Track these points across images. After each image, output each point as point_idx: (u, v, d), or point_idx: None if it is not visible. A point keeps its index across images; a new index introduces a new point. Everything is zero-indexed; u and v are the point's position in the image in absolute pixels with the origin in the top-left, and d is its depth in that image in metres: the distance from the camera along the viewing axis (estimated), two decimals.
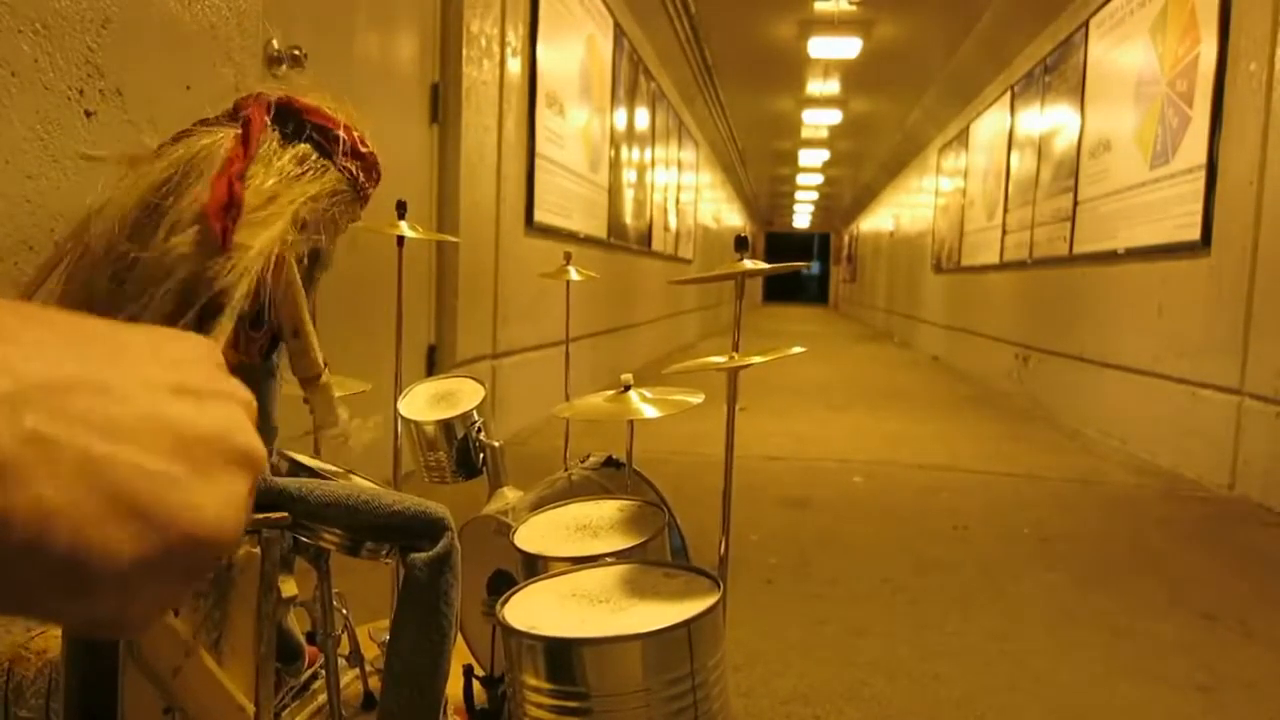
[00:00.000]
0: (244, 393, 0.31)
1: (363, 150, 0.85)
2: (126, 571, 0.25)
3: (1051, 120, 5.79)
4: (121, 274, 0.72)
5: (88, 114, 1.38)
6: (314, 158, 0.81)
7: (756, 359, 0.89)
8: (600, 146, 5.31)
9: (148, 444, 0.26)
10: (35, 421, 0.24)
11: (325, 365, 0.88)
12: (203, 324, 0.70)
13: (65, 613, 0.26)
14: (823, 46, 7.58)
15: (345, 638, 1.14)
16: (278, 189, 0.77)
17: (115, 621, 0.27)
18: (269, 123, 0.80)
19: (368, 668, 1.21)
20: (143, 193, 0.75)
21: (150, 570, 0.25)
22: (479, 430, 1.29)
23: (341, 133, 0.83)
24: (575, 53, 4.63)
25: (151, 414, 0.26)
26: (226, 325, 0.70)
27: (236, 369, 0.83)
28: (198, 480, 0.27)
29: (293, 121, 0.81)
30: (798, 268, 1.10)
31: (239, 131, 0.79)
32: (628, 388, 0.97)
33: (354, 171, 0.84)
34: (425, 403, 1.34)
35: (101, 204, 0.75)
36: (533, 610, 0.74)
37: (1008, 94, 6.90)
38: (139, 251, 0.72)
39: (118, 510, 0.25)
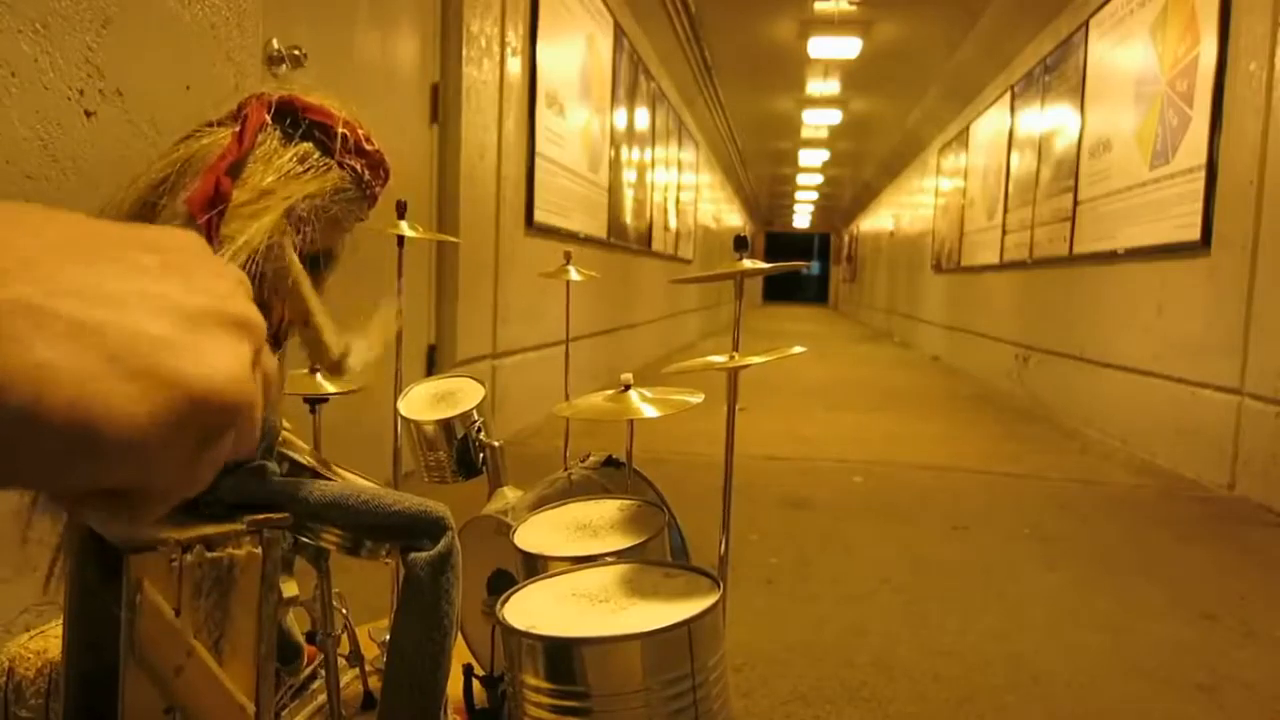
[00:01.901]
0: (235, 270, 0.30)
1: (367, 148, 0.85)
2: (139, 432, 0.24)
3: (1051, 120, 5.79)
4: None
5: (88, 114, 1.38)
6: (316, 156, 0.81)
7: (757, 359, 0.89)
8: (600, 146, 5.31)
9: (142, 311, 0.25)
10: (20, 292, 0.23)
11: (347, 351, 0.86)
12: None
13: (86, 475, 0.25)
14: (823, 46, 7.59)
15: (345, 638, 1.14)
16: (274, 186, 0.77)
17: (140, 492, 0.26)
18: (269, 121, 0.80)
19: (368, 668, 1.21)
20: (140, 192, 0.75)
21: (165, 431, 0.25)
22: (479, 430, 1.29)
23: (344, 130, 0.82)
24: (575, 53, 4.63)
25: (143, 288, 0.26)
26: None
27: None
28: (198, 343, 0.26)
29: (294, 120, 0.81)
30: (797, 268, 1.10)
31: (237, 129, 0.79)
32: (628, 387, 0.97)
33: (358, 170, 0.84)
34: (425, 402, 1.34)
35: (102, 206, 0.75)
36: (533, 610, 0.74)
37: (1008, 94, 6.90)
38: None
39: (118, 370, 0.24)
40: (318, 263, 0.84)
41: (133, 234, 0.28)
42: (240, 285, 0.30)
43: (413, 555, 0.85)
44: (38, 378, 0.23)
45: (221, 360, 0.27)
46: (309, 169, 0.80)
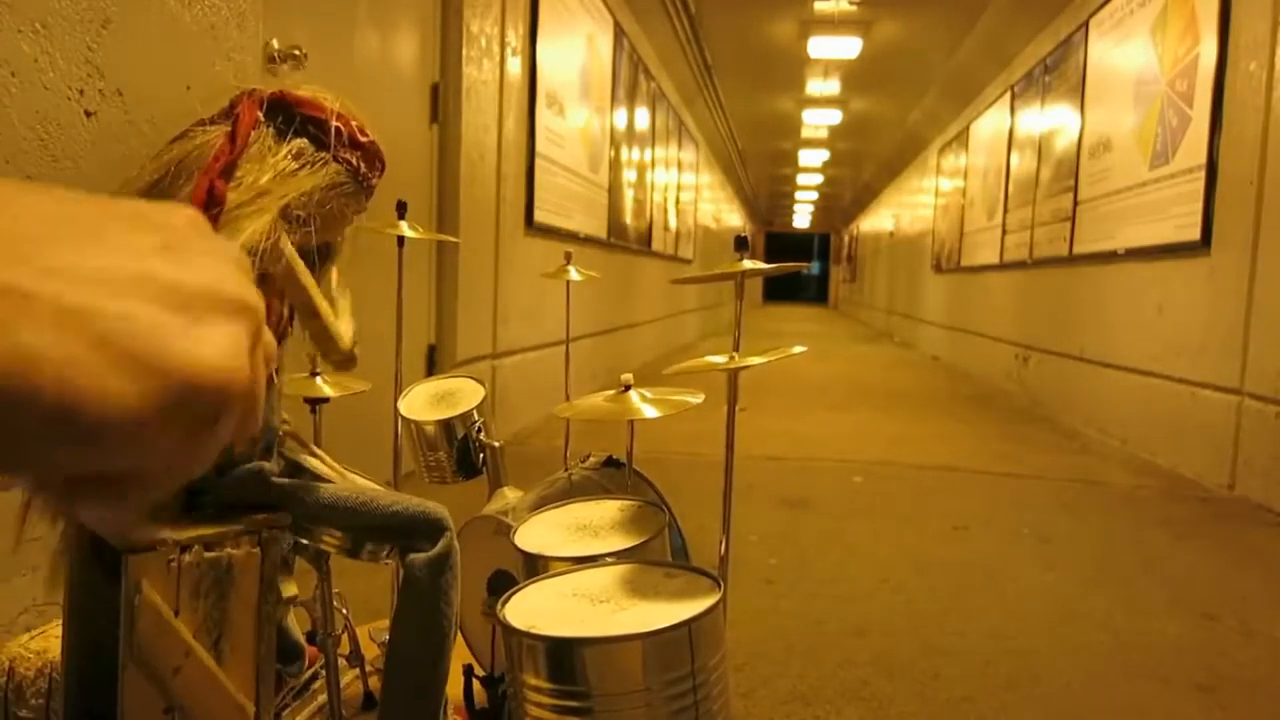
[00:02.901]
0: (233, 249, 0.30)
1: (362, 140, 0.84)
2: (127, 417, 0.24)
3: (1051, 120, 5.79)
4: None
5: (88, 114, 1.38)
6: (311, 151, 0.80)
7: (757, 359, 0.89)
8: (600, 146, 5.31)
9: (133, 295, 0.25)
10: (7, 276, 0.23)
11: (355, 343, 0.86)
12: None
13: (73, 464, 0.25)
14: (823, 46, 7.58)
15: (345, 638, 1.14)
16: (270, 185, 0.76)
17: (135, 478, 0.26)
18: (262, 119, 0.80)
19: (368, 668, 1.21)
20: (132, 195, 0.75)
21: (155, 416, 0.25)
22: (479, 430, 1.29)
23: (338, 124, 0.82)
24: (575, 52, 4.63)
25: (132, 270, 0.25)
26: None
27: None
28: (191, 327, 0.26)
29: (286, 116, 0.81)
30: (797, 268, 1.10)
31: (229, 128, 0.78)
32: (628, 388, 0.97)
33: (354, 162, 0.83)
34: (425, 403, 1.34)
35: None
36: (533, 610, 0.74)
37: (1008, 94, 6.90)
38: None
39: (107, 355, 0.24)
40: (316, 257, 0.84)
41: (131, 210, 0.28)
42: (239, 265, 0.29)
43: (412, 556, 0.85)
44: (22, 363, 0.22)
45: (215, 344, 0.26)
46: (304, 165, 0.80)
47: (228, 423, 0.27)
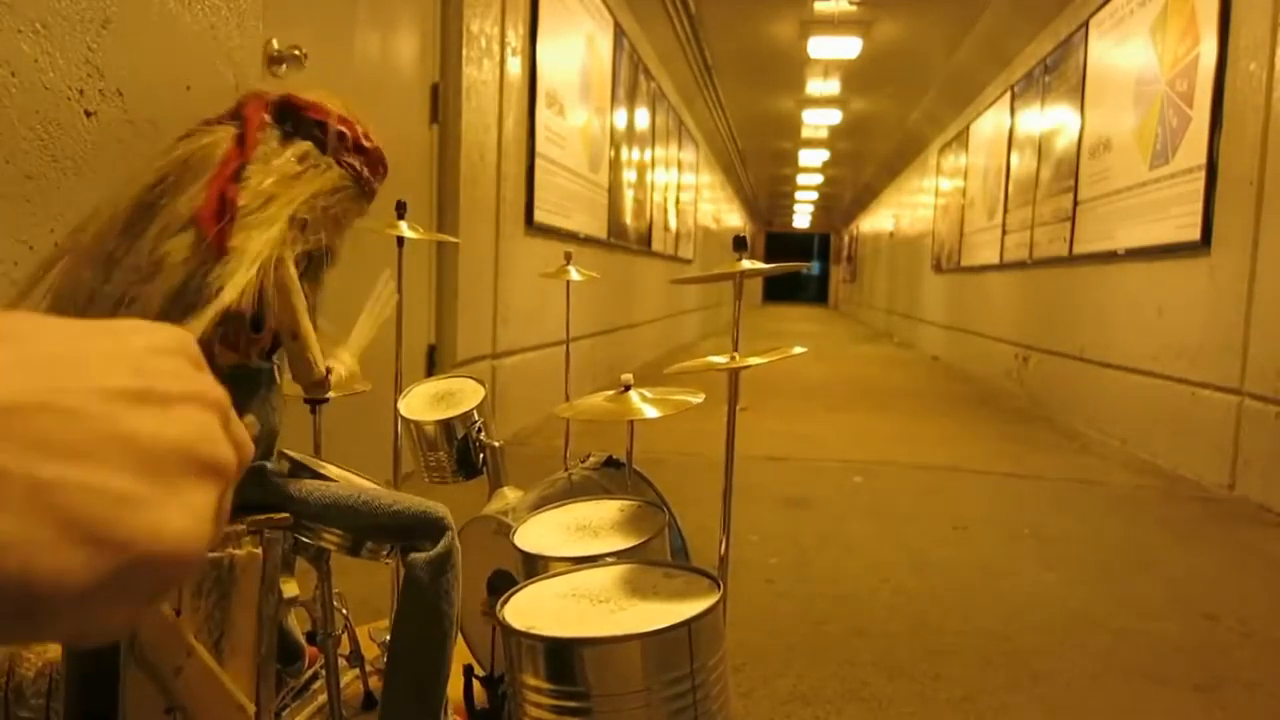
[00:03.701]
0: (215, 392, 0.29)
1: (366, 145, 0.85)
2: (87, 596, 0.24)
3: (1051, 120, 5.79)
4: (109, 270, 0.72)
5: (88, 114, 1.38)
6: (315, 154, 0.81)
7: (757, 360, 0.89)
8: (600, 146, 5.30)
9: (104, 463, 0.25)
10: None
11: (328, 371, 0.87)
12: (185, 318, 0.70)
13: (24, 634, 0.25)
14: (823, 46, 7.58)
15: (345, 638, 1.14)
16: (276, 189, 0.77)
17: (82, 636, 0.26)
18: (268, 121, 0.80)
19: (368, 668, 1.21)
20: (137, 192, 0.75)
21: (111, 592, 0.25)
22: (479, 430, 1.29)
23: (342, 127, 0.82)
24: (575, 52, 4.63)
25: (109, 430, 0.25)
26: (207, 315, 0.70)
27: (238, 370, 0.83)
28: (160, 496, 0.26)
29: (292, 119, 0.81)
30: (797, 268, 1.10)
31: (237, 131, 0.79)
32: (628, 388, 0.97)
33: (357, 167, 0.84)
34: (425, 403, 1.34)
35: (98, 205, 0.75)
36: (533, 610, 0.74)
37: (1008, 94, 6.90)
38: (128, 248, 0.72)
39: (71, 536, 0.24)
40: (320, 261, 0.84)
41: (113, 348, 0.27)
42: (218, 411, 0.29)
43: (413, 556, 0.85)
44: None
45: (181, 515, 0.26)
46: (308, 168, 0.80)
47: (182, 584, 0.28)
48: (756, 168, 16.03)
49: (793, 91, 9.77)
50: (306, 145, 0.80)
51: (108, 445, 0.25)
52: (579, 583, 0.79)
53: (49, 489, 0.24)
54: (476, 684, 1.18)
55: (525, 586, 0.79)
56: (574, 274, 1.42)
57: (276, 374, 0.84)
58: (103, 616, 0.25)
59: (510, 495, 1.23)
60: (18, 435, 0.24)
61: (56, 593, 0.24)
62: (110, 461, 0.25)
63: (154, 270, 0.71)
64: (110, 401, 0.26)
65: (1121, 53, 4.58)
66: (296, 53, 2.05)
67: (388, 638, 0.90)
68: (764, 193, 20.52)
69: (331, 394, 1.23)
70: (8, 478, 0.23)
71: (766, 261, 0.94)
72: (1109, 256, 4.56)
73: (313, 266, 0.83)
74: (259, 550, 0.75)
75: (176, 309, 0.70)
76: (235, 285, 0.71)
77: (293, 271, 0.79)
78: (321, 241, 0.82)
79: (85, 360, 0.26)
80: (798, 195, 21.72)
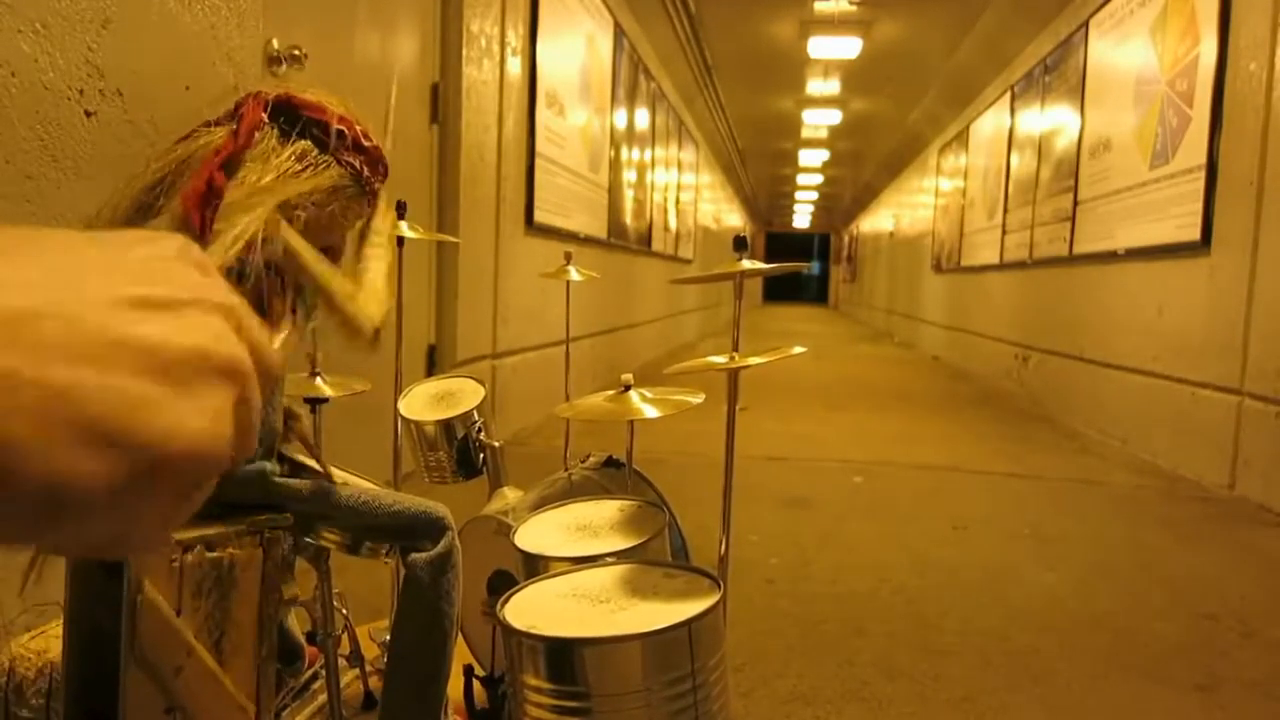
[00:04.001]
0: (222, 294, 0.29)
1: (366, 144, 0.84)
2: (110, 497, 0.24)
3: (1051, 120, 5.79)
4: None
5: (88, 114, 1.38)
6: (314, 154, 0.81)
7: (756, 359, 0.89)
8: (600, 146, 5.31)
9: (116, 367, 0.25)
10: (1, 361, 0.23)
11: (379, 325, 0.85)
12: None
13: (61, 539, 0.25)
14: (823, 46, 7.58)
15: (345, 638, 1.14)
16: (271, 185, 0.76)
17: (118, 543, 0.26)
18: (266, 120, 0.80)
19: (368, 668, 1.21)
20: (136, 194, 0.75)
21: (137, 492, 0.25)
22: (479, 430, 1.29)
23: (342, 126, 0.82)
24: (575, 52, 4.63)
25: (119, 336, 0.25)
26: None
27: None
28: (175, 398, 0.26)
29: (291, 118, 0.81)
30: (797, 268, 1.11)
31: (234, 127, 0.78)
32: (628, 388, 0.97)
33: (357, 166, 0.83)
34: (425, 403, 1.34)
35: (99, 208, 0.75)
36: (533, 610, 0.74)
37: (1008, 94, 6.90)
38: None
39: (90, 437, 0.24)
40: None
41: (117, 258, 0.27)
42: (228, 313, 0.29)
43: (413, 555, 0.85)
44: (9, 453, 0.23)
45: (198, 416, 0.26)
46: (307, 167, 0.80)
47: (209, 486, 0.28)
48: (756, 168, 16.03)
49: (793, 91, 9.77)
50: (305, 144, 0.80)
51: (117, 350, 0.25)
52: (579, 583, 0.79)
53: (62, 393, 0.24)
54: (476, 684, 1.18)
55: (525, 586, 0.79)
56: (574, 274, 1.42)
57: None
58: (136, 517, 0.26)
59: (510, 495, 1.23)
60: (25, 342, 0.24)
61: (81, 495, 0.24)
62: (121, 365, 0.25)
63: None
64: (116, 308, 0.26)
65: (1121, 52, 4.58)
66: (296, 53, 2.05)
67: (388, 638, 0.90)
68: (764, 193, 20.53)
69: (331, 395, 1.23)
70: (20, 381, 0.23)
71: (766, 261, 0.94)
72: (1109, 256, 4.56)
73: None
74: (259, 550, 0.75)
75: None
76: (219, 262, 0.70)
77: (299, 241, 0.78)
78: (320, 240, 0.81)
79: (92, 270, 0.26)
80: (798, 195, 21.73)
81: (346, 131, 0.82)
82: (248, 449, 0.29)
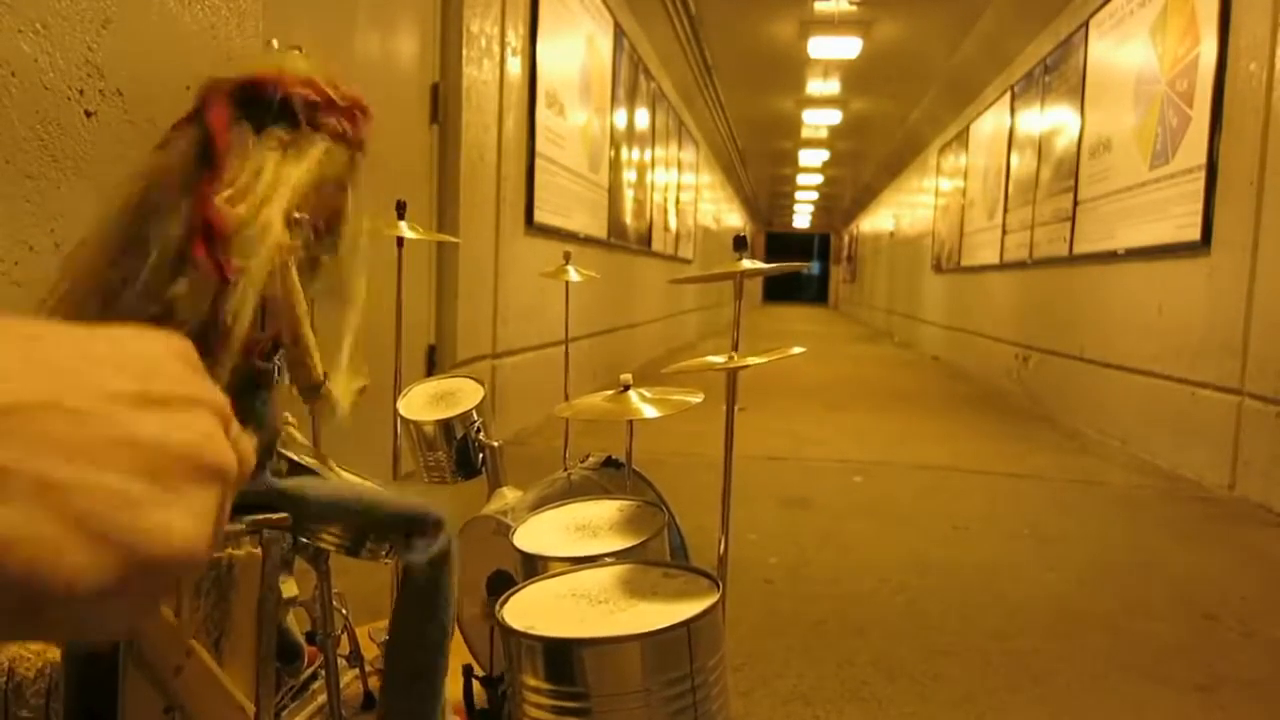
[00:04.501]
0: (216, 397, 0.30)
1: (336, 99, 0.83)
2: (92, 595, 0.24)
3: (1051, 120, 5.79)
4: (109, 300, 0.71)
5: (88, 114, 1.38)
6: (291, 133, 0.79)
7: (756, 359, 0.89)
8: (600, 146, 5.30)
9: (110, 464, 0.25)
10: None
11: (325, 376, 0.86)
12: (209, 346, 0.70)
13: (26, 632, 0.25)
14: (823, 46, 7.58)
15: (345, 638, 1.14)
16: (266, 192, 0.75)
17: (82, 637, 0.27)
18: (234, 115, 0.78)
19: (367, 668, 1.21)
20: (126, 226, 0.74)
21: (111, 593, 0.25)
22: (479, 430, 1.29)
23: (308, 92, 0.80)
24: (575, 53, 4.63)
25: (114, 433, 0.25)
26: (234, 348, 0.70)
27: (239, 370, 0.82)
28: (164, 499, 0.26)
29: (257, 103, 0.79)
30: (797, 268, 1.11)
31: (200, 135, 0.77)
32: (627, 388, 0.97)
33: (335, 125, 0.82)
34: (425, 403, 1.34)
35: (84, 238, 0.74)
36: (532, 610, 0.74)
37: (1008, 94, 6.90)
38: (123, 278, 0.71)
39: (77, 535, 0.24)
40: (331, 225, 0.84)
41: (115, 353, 0.27)
42: (220, 415, 0.29)
43: (411, 553, 0.85)
44: None
45: (185, 518, 0.26)
46: (289, 148, 0.78)
47: (185, 582, 0.28)
48: (756, 168, 16.03)
49: (793, 91, 9.77)
50: (280, 128, 0.79)
51: (115, 447, 0.25)
52: (578, 583, 0.79)
53: (56, 488, 0.24)
54: (476, 684, 1.18)
55: (525, 587, 0.79)
56: (573, 274, 1.42)
57: (277, 374, 0.84)
58: (105, 616, 0.26)
59: (510, 495, 1.23)
60: (24, 435, 0.24)
61: (62, 592, 0.24)
62: (117, 463, 0.25)
63: (166, 312, 0.70)
64: (116, 404, 0.26)
65: (1122, 53, 4.57)
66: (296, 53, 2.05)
67: (388, 631, 0.90)
68: (764, 193, 20.52)
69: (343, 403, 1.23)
70: (14, 475, 0.23)
71: (766, 261, 0.94)
72: (1109, 256, 4.56)
73: (331, 230, 0.83)
74: (258, 550, 0.75)
75: (199, 345, 0.70)
76: (248, 311, 0.71)
77: (295, 277, 0.79)
78: (327, 211, 0.81)
79: (90, 363, 0.27)
80: (798, 195, 21.73)
81: (314, 95, 0.80)
82: (212, 549, 0.30)
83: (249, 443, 0.32)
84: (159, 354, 0.29)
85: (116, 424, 0.26)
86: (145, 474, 0.26)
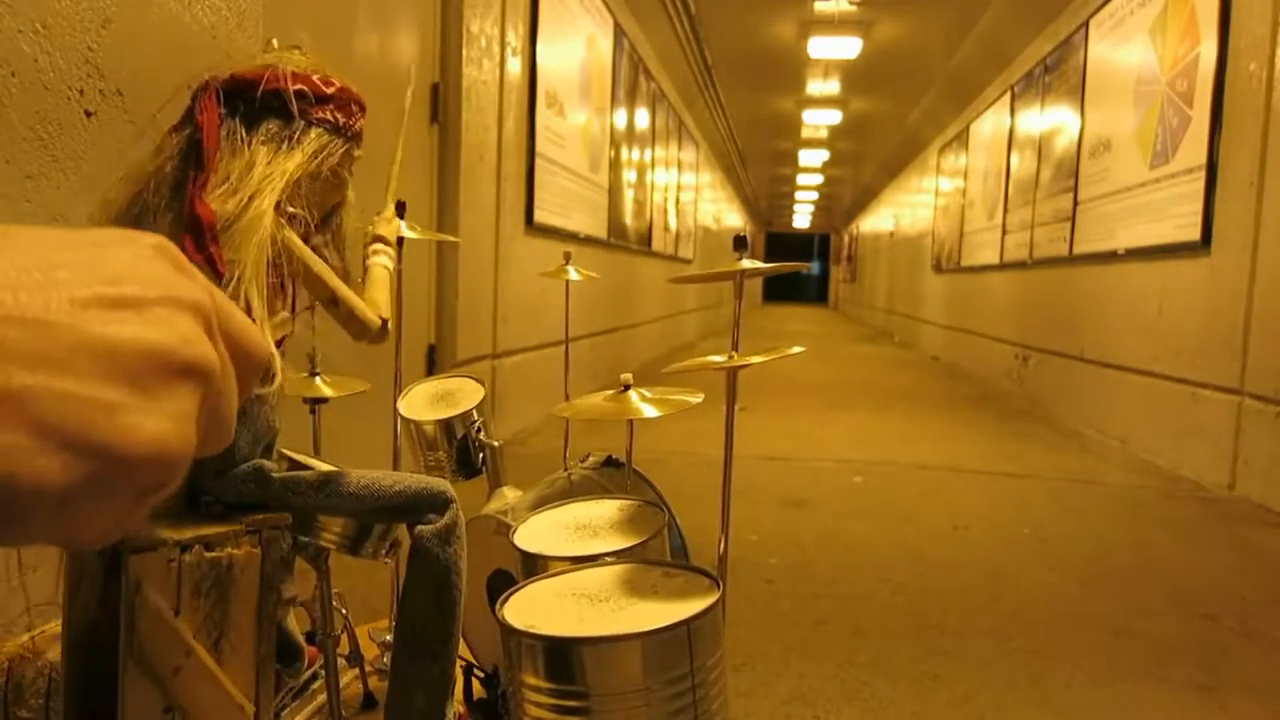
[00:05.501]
0: (194, 292, 0.29)
1: (329, 91, 0.83)
2: (67, 500, 0.24)
3: (1051, 120, 5.79)
4: None
5: (88, 114, 1.38)
6: (283, 128, 0.79)
7: (756, 359, 0.89)
8: (600, 146, 5.30)
9: (75, 370, 0.25)
10: None
11: (384, 318, 0.87)
12: None
13: (11, 537, 0.25)
14: (823, 46, 7.59)
15: (345, 638, 1.14)
16: (257, 185, 0.75)
17: (67, 542, 0.27)
18: (224, 112, 0.78)
19: (367, 668, 1.21)
20: (109, 221, 0.74)
21: (91, 496, 0.25)
22: (479, 430, 1.29)
23: (300, 86, 0.80)
24: (575, 53, 4.63)
25: (83, 338, 0.25)
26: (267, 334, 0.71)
27: None
28: (135, 401, 0.26)
29: (246, 99, 0.79)
30: (797, 268, 1.10)
31: (194, 135, 0.77)
32: (627, 387, 0.97)
33: (329, 117, 0.82)
34: (425, 402, 1.34)
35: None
36: (532, 610, 0.74)
37: (1008, 94, 6.90)
38: None
39: (47, 442, 0.24)
40: (330, 215, 0.84)
41: (88, 257, 0.27)
42: (197, 311, 0.29)
43: (420, 529, 0.85)
44: None
45: (159, 419, 0.26)
46: (282, 143, 0.79)
47: (171, 486, 0.28)
48: (756, 168, 16.03)
49: (793, 91, 9.77)
50: (271, 123, 0.79)
51: (78, 353, 0.25)
52: (578, 582, 0.79)
53: (23, 396, 0.24)
54: (476, 683, 1.18)
55: (524, 586, 0.79)
56: (573, 274, 1.42)
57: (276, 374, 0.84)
58: (88, 519, 0.26)
59: (510, 495, 1.23)
60: None
61: (36, 496, 0.24)
62: (81, 369, 0.25)
63: None
64: (81, 309, 0.26)
65: (1121, 53, 4.58)
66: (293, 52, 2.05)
67: (388, 637, 0.90)
68: (764, 193, 20.53)
69: (331, 395, 1.23)
70: None
71: (766, 261, 0.94)
72: (1109, 256, 4.56)
73: (329, 220, 0.83)
74: (258, 550, 0.75)
75: None
76: (254, 293, 0.71)
77: (300, 245, 0.78)
78: (325, 203, 0.81)
79: (56, 270, 0.26)
80: (798, 195, 21.73)
81: (305, 88, 0.80)
82: (220, 444, 0.29)
83: (249, 333, 0.31)
84: (135, 255, 0.28)
85: (81, 330, 0.25)
86: (113, 377, 0.26)
